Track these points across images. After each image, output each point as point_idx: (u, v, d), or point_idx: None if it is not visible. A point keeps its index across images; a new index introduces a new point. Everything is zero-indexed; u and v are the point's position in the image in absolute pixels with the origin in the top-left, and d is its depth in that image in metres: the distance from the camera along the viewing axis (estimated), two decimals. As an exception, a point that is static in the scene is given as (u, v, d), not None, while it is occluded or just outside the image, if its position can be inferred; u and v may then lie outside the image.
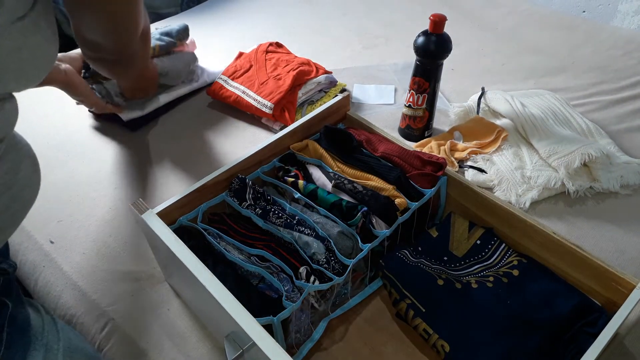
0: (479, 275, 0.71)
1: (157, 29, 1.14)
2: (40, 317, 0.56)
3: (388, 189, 0.71)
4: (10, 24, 0.40)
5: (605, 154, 0.92)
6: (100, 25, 0.62)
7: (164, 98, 1.10)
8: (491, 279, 0.70)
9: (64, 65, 0.89)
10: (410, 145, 0.80)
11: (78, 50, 0.96)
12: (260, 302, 0.61)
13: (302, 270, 0.62)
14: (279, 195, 0.77)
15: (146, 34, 0.77)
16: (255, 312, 0.55)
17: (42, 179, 0.56)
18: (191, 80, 1.17)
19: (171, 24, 1.16)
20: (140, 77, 0.97)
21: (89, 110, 1.11)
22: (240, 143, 1.05)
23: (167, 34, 1.09)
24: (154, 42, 1.06)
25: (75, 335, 0.61)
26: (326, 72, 1.14)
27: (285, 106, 1.05)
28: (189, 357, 0.69)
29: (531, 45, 1.36)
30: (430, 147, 1.00)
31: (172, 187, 0.94)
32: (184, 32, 1.12)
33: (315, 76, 1.11)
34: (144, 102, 1.07)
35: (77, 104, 1.09)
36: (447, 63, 0.96)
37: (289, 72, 1.09)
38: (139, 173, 0.98)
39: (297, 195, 0.73)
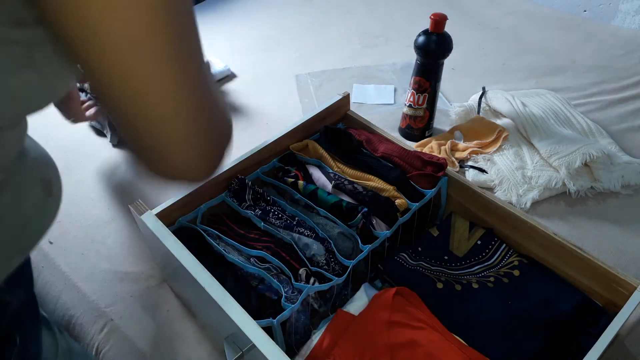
0: (479, 275, 0.71)
1: None
2: (55, 345, 0.53)
3: (388, 189, 0.71)
4: None
5: (606, 153, 0.92)
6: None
7: None
8: (492, 279, 0.70)
9: None
10: (411, 145, 0.80)
11: None
12: (259, 304, 0.61)
13: (302, 272, 0.62)
14: (278, 195, 0.76)
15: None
16: (255, 314, 0.54)
17: None
18: None
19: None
20: None
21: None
22: (239, 143, 1.05)
23: None
24: None
25: None
26: None
27: None
28: (188, 358, 0.69)
29: (532, 44, 1.35)
30: (430, 147, 1.00)
31: (172, 188, 0.94)
32: None
33: None
34: None
35: (72, 122, 0.91)
36: (447, 63, 0.96)
37: None
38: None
39: (297, 195, 0.73)
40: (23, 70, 0.32)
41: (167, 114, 0.33)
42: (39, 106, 0.37)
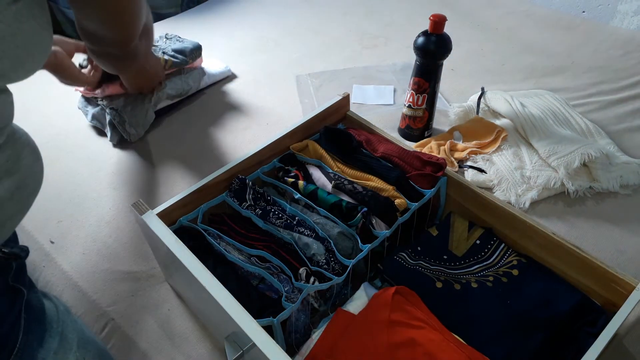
0: (478, 275, 0.71)
1: (168, 38, 1.14)
2: (54, 306, 0.56)
3: (388, 189, 0.71)
4: (5, 7, 0.39)
5: (605, 154, 0.92)
6: (103, 18, 0.63)
7: (163, 103, 1.10)
8: (491, 278, 0.70)
9: (54, 48, 0.86)
10: (410, 146, 0.80)
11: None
12: (260, 303, 0.61)
13: (302, 271, 0.62)
14: (279, 195, 0.77)
15: (148, 29, 0.78)
16: (255, 313, 0.55)
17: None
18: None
19: (176, 26, 1.15)
20: (144, 72, 0.96)
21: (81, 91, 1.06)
22: (240, 143, 1.05)
23: (180, 52, 1.09)
24: (166, 57, 1.06)
25: (87, 328, 0.61)
26: None
27: None
28: (189, 357, 0.69)
29: (531, 45, 1.36)
30: (430, 147, 1.00)
31: (172, 188, 0.94)
32: (197, 51, 1.12)
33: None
34: (145, 118, 1.05)
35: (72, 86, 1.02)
36: (447, 63, 0.96)
37: None
38: (139, 173, 0.98)
39: (297, 195, 0.73)
40: (29, 19, 0.42)
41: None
42: (38, 57, 0.46)
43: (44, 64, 0.79)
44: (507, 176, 0.93)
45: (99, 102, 1.02)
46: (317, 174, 0.76)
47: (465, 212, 0.78)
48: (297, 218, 0.69)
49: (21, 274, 0.51)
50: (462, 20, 1.47)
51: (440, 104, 1.08)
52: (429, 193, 0.73)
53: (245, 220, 0.72)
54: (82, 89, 1.03)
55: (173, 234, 0.62)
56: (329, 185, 0.73)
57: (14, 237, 0.51)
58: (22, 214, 0.49)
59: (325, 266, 0.64)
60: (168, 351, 0.70)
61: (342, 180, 0.73)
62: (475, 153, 0.99)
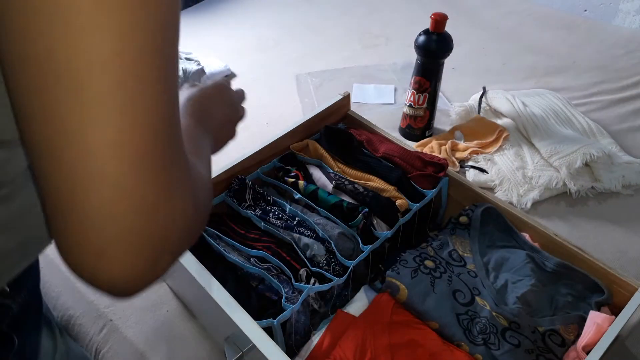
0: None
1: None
2: (53, 350, 0.53)
3: (389, 189, 0.71)
4: None
5: (607, 153, 0.92)
6: None
7: None
8: None
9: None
10: (411, 145, 0.80)
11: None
12: (260, 304, 0.60)
13: (302, 272, 0.62)
14: (279, 195, 0.76)
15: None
16: (255, 314, 0.54)
17: None
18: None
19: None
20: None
21: None
22: (239, 143, 1.04)
23: (182, 71, 1.09)
24: None
25: None
26: None
27: None
28: (188, 359, 0.68)
29: (532, 44, 1.35)
30: (431, 146, 1.00)
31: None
32: (197, 76, 1.12)
33: None
34: None
35: None
36: (448, 62, 0.96)
37: None
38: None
39: (297, 196, 0.73)
40: None
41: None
42: None
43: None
44: (508, 176, 0.93)
45: None
46: (317, 174, 0.76)
47: (466, 213, 0.77)
48: (297, 218, 0.69)
49: (23, 318, 0.46)
50: (463, 19, 1.46)
51: (441, 103, 1.07)
52: (430, 194, 0.73)
53: (244, 220, 0.72)
54: None
55: (172, 234, 0.62)
56: (329, 186, 0.73)
57: (18, 281, 0.44)
58: (26, 261, 0.43)
59: (326, 267, 0.63)
60: (166, 353, 0.69)
61: (343, 180, 0.72)
62: (477, 153, 0.98)
